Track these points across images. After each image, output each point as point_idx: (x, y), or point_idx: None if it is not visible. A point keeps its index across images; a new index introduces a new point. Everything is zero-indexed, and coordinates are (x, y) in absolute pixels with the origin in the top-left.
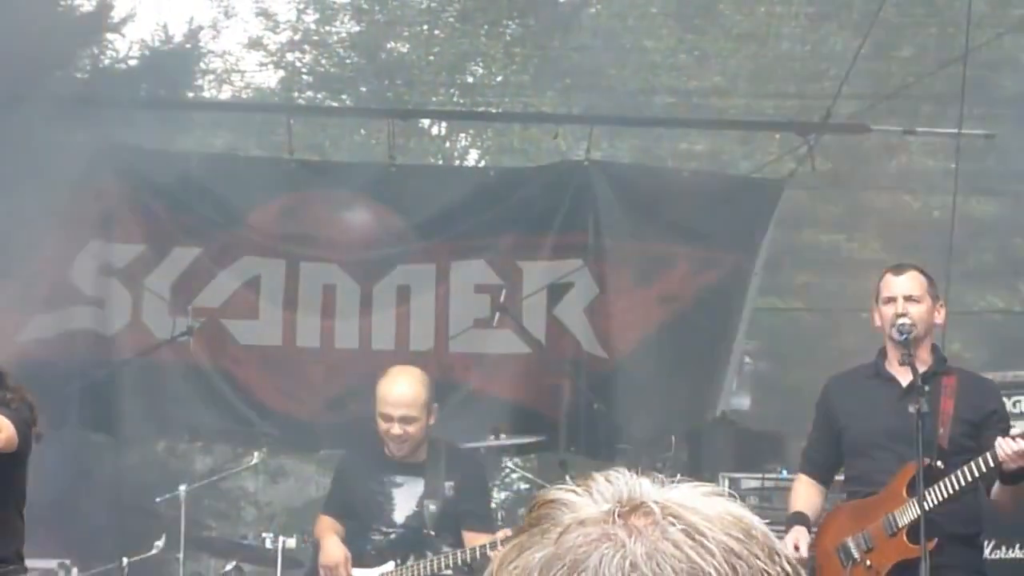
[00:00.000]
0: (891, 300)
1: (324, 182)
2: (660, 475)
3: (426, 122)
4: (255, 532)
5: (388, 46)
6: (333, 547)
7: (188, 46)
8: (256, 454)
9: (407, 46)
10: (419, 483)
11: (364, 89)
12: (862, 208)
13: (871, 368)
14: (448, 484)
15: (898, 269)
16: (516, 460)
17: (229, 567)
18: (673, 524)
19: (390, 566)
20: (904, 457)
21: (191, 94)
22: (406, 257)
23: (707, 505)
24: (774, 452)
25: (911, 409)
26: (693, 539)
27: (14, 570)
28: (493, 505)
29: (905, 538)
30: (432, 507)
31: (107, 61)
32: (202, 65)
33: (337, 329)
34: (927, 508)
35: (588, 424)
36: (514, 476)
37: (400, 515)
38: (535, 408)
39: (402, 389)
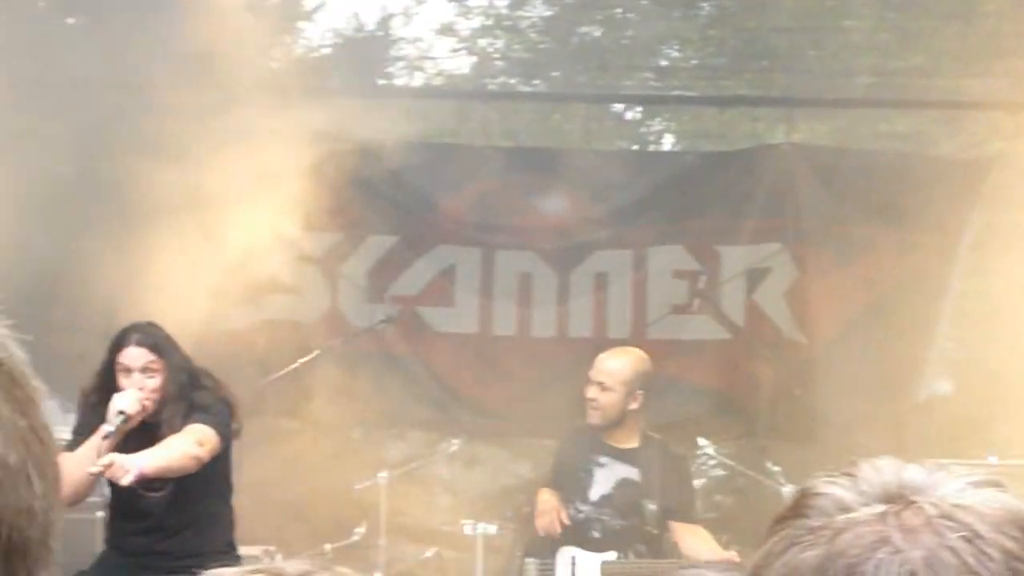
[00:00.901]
0: None
1: (519, 168)
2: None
3: (620, 106)
4: (452, 518)
5: (580, 30)
6: (548, 495)
7: (380, 33)
8: (454, 441)
9: (600, 30)
10: (625, 469)
11: (556, 74)
12: None
13: None
14: (659, 478)
15: None
16: (715, 447)
17: (429, 553)
18: (950, 526)
19: (611, 555)
20: None
21: (382, 81)
22: (603, 243)
23: (981, 500)
24: (980, 438)
25: None
26: (972, 543)
27: (228, 558)
28: None
29: None
30: (651, 505)
31: (300, 50)
32: (394, 52)
33: (534, 317)
34: None
35: (788, 410)
36: (711, 463)
37: (596, 494)
38: (734, 394)
39: (611, 359)
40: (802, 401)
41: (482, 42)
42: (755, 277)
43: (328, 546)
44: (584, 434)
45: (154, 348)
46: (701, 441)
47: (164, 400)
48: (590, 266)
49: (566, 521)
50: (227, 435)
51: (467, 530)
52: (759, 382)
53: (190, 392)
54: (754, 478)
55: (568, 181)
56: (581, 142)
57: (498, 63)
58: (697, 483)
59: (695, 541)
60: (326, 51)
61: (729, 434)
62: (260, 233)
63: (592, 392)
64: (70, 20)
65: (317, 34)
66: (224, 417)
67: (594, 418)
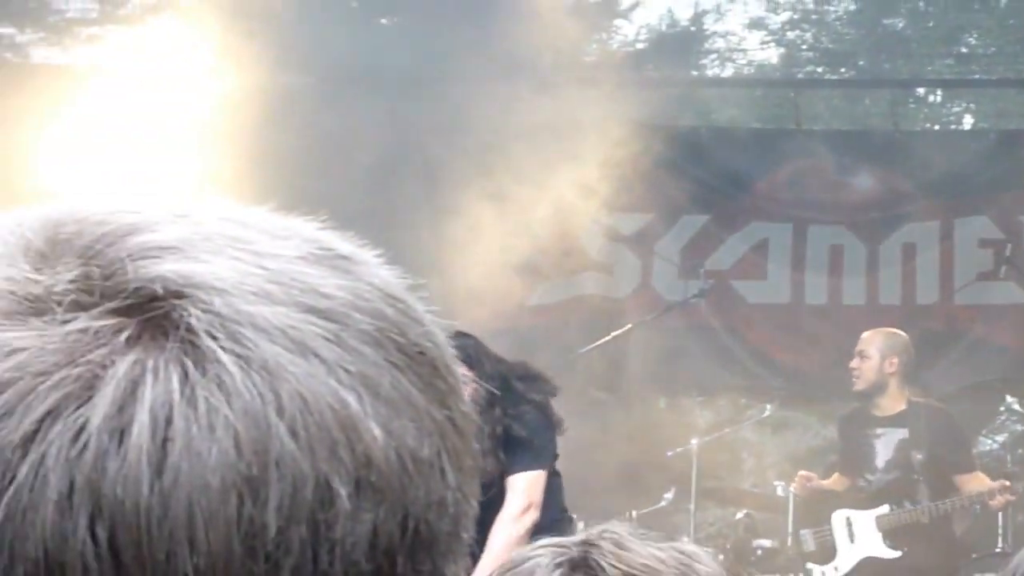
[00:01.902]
0: None
1: (830, 150)
2: None
3: (922, 91)
4: (761, 481)
5: (885, 21)
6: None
7: (692, 29)
8: (768, 407)
9: (903, 21)
10: (898, 432)
11: (862, 62)
12: None
13: None
14: (928, 435)
15: None
16: (1021, 404)
17: (740, 515)
18: None
19: (884, 508)
20: None
21: (695, 72)
22: (911, 216)
23: None
24: None
25: None
26: None
27: (563, 520)
28: (995, 447)
29: None
30: (919, 456)
31: (615, 45)
32: (706, 46)
33: (844, 287)
34: None
35: None
36: (1013, 419)
37: (881, 461)
38: None
39: (867, 332)
40: None
41: (791, 34)
42: None
43: (634, 512)
44: (856, 416)
45: (464, 361)
46: (1008, 398)
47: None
48: (899, 237)
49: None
50: (553, 457)
51: (779, 491)
52: None
53: (505, 405)
54: None
55: (878, 160)
56: (887, 124)
57: (806, 54)
58: (1000, 438)
59: (974, 486)
60: (641, 46)
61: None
62: (575, 214)
63: (854, 363)
64: (383, 20)
65: (632, 30)
66: (548, 444)
67: (858, 385)
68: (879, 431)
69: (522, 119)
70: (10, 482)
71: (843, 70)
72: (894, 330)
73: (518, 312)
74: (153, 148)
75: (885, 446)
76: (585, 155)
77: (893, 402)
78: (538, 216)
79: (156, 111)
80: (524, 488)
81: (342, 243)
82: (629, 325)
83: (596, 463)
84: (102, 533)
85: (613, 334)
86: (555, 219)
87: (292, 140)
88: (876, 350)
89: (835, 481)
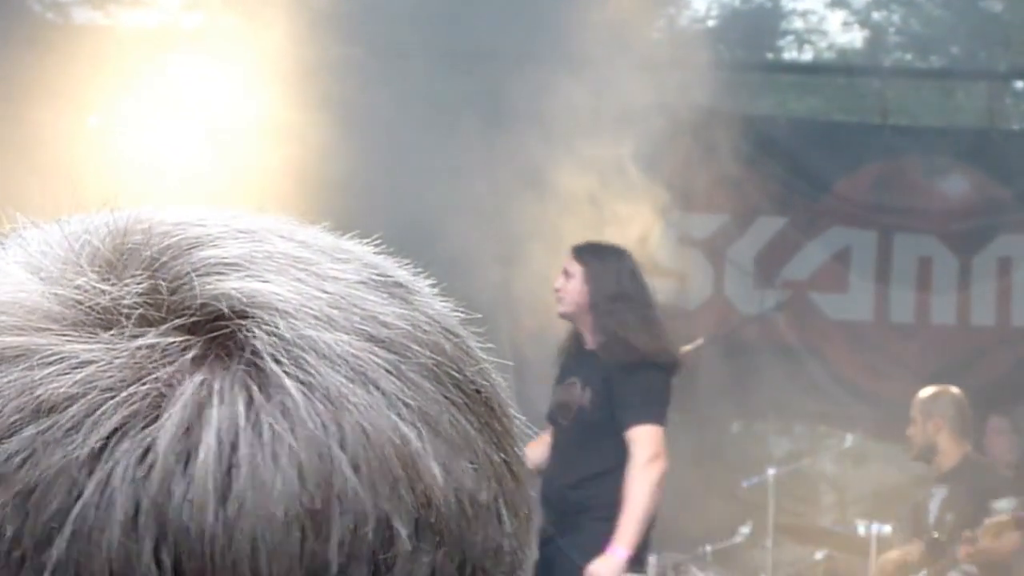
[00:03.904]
0: None
1: (919, 148)
2: None
3: (1022, 84)
4: (842, 518)
5: (980, 5)
6: None
7: (769, 5)
8: (849, 436)
9: (1002, 5)
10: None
11: (955, 50)
12: None
13: None
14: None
15: None
16: None
17: (819, 556)
18: None
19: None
20: None
21: (770, 55)
22: (1008, 227)
23: None
24: None
25: None
26: None
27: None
28: None
29: None
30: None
31: (684, 22)
32: (783, 25)
33: (933, 303)
34: None
35: None
36: None
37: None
38: None
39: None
40: None
41: (876, 15)
42: None
43: (708, 547)
44: None
45: (577, 255)
46: None
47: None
48: (994, 250)
49: None
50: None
51: (860, 530)
52: None
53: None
54: None
55: (972, 161)
56: (983, 121)
57: (894, 38)
58: None
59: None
60: (712, 23)
61: None
62: (639, 214)
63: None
64: None
65: (703, 6)
66: (663, 396)
67: (912, 453)
68: (933, 489)
69: (575, 103)
70: (77, 499)
71: (934, 58)
72: (937, 389)
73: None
74: (198, 113)
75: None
76: (652, 146)
77: (946, 459)
78: (596, 214)
79: (201, 76)
80: (647, 440)
81: (398, 270)
82: (700, 340)
83: (666, 490)
84: (167, 559)
85: (683, 348)
86: (616, 218)
87: (340, 112)
88: (919, 413)
89: None
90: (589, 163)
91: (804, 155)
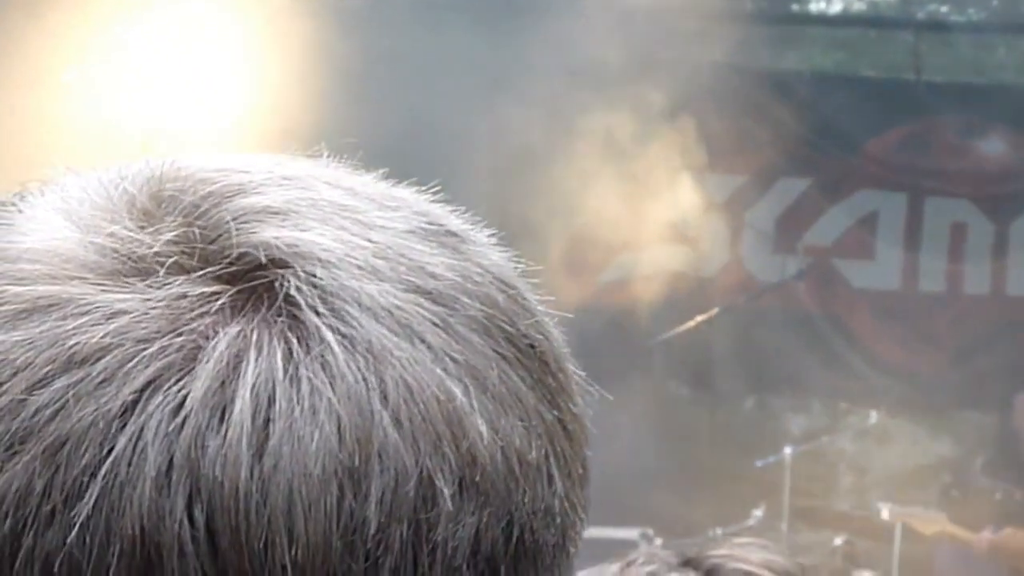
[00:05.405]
0: None
1: (955, 107)
2: None
3: None
4: (862, 502)
5: None
6: None
7: None
8: (873, 413)
9: None
10: None
11: (995, 2)
12: None
13: None
14: None
15: None
16: None
17: (838, 541)
18: None
19: None
20: None
21: (796, 6)
22: None
23: None
24: None
25: None
26: None
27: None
28: None
29: None
30: None
31: None
32: None
33: (967, 273)
34: None
35: None
36: None
37: None
38: None
39: None
40: None
41: None
42: None
43: (719, 530)
44: None
45: None
46: None
47: None
48: None
49: None
50: None
51: (884, 514)
52: None
53: None
54: None
55: (1011, 121)
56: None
57: None
58: None
59: None
60: None
61: None
62: (654, 173)
63: None
64: None
65: None
66: None
67: None
68: None
69: (588, 56)
70: (108, 453)
71: (972, 11)
72: None
73: (587, 289)
74: (203, 65)
75: None
76: (669, 104)
77: None
78: (610, 175)
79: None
80: None
81: (453, 219)
82: (716, 309)
83: (674, 468)
84: (199, 516)
85: (698, 319)
86: (630, 178)
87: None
88: None
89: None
90: (602, 117)
91: (830, 113)
